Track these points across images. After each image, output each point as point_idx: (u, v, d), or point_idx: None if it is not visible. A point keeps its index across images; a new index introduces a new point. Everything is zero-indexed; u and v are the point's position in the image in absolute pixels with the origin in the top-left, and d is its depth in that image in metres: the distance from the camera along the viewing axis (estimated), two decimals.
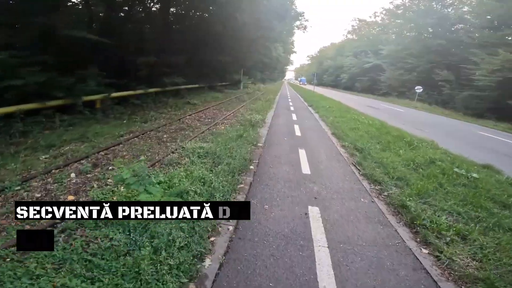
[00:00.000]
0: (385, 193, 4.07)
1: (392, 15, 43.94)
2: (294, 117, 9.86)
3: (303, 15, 28.78)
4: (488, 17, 24.63)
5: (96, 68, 8.45)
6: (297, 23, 30.88)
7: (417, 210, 3.36)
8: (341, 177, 4.46)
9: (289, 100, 18.30)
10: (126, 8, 12.23)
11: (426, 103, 27.05)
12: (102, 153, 5.06)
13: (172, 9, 16.32)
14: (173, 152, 5.12)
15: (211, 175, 3.87)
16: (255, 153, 5.20)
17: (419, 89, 24.54)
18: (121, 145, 5.54)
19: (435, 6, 32.46)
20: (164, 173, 3.93)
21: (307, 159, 5.10)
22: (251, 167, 4.54)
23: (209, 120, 8.50)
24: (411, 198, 3.72)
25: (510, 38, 20.08)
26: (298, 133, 7.09)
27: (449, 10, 31.37)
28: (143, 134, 6.36)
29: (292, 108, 12.82)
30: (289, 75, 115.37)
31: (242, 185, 3.87)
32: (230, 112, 10.10)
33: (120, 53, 10.93)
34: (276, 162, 4.87)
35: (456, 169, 4.95)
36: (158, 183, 3.40)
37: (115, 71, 10.46)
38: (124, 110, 9.23)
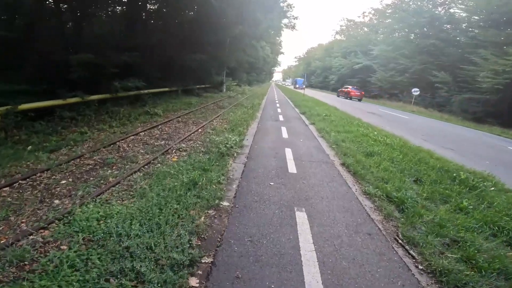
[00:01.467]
0: None
1: (381, 15, 42.98)
2: (284, 133, 7.33)
3: (293, 8, 26.61)
4: (481, 16, 23.32)
5: None
6: (286, 20, 28.80)
7: None
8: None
9: (277, 105, 15.84)
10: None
11: (421, 106, 25.55)
12: None
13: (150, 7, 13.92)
14: (44, 228, 2.53)
15: None
16: (211, 233, 2.64)
17: (416, 91, 22.82)
18: None
19: (426, 4, 31.40)
20: None
21: (313, 243, 2.59)
22: (192, 283, 2.00)
23: (162, 142, 5.83)
24: None
25: None
26: (292, 167, 4.50)
27: (440, 9, 30.31)
28: (25, 180, 3.66)
29: (281, 118, 10.28)
30: (277, 76, 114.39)
31: None
32: (199, 127, 7.46)
33: (49, 51, 8.15)
34: (252, 260, 2.30)
35: None
36: None
37: (39, 74, 7.68)
38: (44, 128, 6.45)
